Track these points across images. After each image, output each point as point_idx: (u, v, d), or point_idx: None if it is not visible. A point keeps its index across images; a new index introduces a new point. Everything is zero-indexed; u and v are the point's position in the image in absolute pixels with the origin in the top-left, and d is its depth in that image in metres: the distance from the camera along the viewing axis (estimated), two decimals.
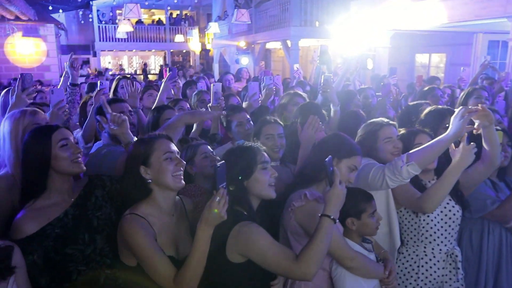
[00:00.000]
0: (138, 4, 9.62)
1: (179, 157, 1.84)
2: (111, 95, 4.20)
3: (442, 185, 2.16)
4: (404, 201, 2.38)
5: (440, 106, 2.97)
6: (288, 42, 11.38)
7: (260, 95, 3.70)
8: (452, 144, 2.15)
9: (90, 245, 1.83)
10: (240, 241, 1.69)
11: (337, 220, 1.73)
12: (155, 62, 25.05)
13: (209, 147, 2.55)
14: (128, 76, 5.01)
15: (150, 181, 1.78)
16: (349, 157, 2.07)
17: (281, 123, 2.71)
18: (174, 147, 1.85)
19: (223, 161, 1.63)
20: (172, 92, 3.98)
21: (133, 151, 1.83)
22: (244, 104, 3.22)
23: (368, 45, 7.93)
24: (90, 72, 18.73)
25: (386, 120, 2.55)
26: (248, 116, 2.96)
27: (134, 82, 3.61)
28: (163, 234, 1.76)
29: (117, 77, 4.36)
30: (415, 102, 3.43)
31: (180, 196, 2.00)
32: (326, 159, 1.73)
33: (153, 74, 23.27)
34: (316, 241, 1.64)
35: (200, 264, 1.63)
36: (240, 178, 1.80)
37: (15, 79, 9.77)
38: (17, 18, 12.07)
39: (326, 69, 4.80)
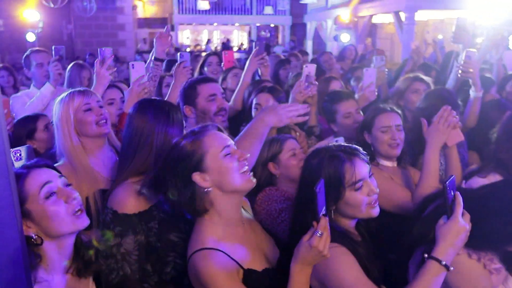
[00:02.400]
0: None
1: (236, 148, 1.70)
2: (196, 72, 4.44)
3: None
4: None
5: None
6: (402, 15, 10.95)
7: None
8: None
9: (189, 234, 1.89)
10: (320, 268, 1.60)
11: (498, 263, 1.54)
12: (238, 38, 25.61)
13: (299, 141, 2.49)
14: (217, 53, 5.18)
15: (210, 189, 1.64)
16: None
17: (399, 111, 2.60)
18: (228, 138, 1.71)
19: (322, 179, 1.49)
20: (259, 72, 4.00)
21: (178, 154, 1.65)
22: (356, 96, 3.14)
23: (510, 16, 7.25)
24: None
25: None
26: (358, 105, 2.87)
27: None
28: (248, 250, 1.69)
29: (206, 53, 4.51)
30: None
31: None
32: (448, 181, 1.55)
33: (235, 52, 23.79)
34: None
35: None
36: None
37: (91, 54, 10.67)
38: None
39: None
